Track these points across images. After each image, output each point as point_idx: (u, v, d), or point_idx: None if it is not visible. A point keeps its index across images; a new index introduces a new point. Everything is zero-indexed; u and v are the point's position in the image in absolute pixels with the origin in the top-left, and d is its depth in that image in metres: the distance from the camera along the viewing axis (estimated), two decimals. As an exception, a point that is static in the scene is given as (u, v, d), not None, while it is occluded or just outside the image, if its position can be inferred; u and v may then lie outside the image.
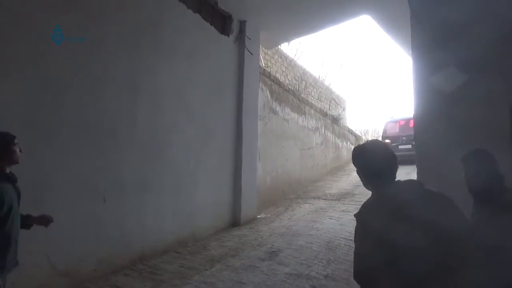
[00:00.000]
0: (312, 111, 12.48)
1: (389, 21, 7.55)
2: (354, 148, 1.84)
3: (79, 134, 3.88)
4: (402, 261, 1.40)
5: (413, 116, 4.83)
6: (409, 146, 12.44)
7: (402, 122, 14.10)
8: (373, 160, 1.68)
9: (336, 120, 14.86)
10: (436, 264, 1.42)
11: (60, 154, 3.66)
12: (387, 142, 12.76)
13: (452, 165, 2.54)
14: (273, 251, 4.99)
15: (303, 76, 13.73)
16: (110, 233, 4.20)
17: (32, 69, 3.45)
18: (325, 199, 9.50)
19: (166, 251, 4.96)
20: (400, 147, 13.01)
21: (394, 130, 13.91)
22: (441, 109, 4.04)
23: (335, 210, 7.79)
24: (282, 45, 11.20)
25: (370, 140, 1.98)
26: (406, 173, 8.22)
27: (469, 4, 3.87)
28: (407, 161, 11.82)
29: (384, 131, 14.75)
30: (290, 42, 12.24)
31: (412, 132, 12.50)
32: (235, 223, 6.78)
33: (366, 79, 35.81)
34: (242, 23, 7.20)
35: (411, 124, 13.05)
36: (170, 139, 5.25)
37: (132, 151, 4.57)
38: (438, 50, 4.17)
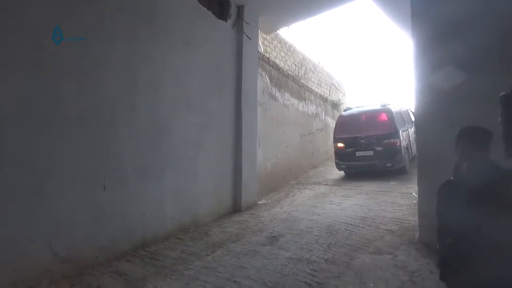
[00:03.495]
0: (312, 97, 12.43)
1: (390, 3, 7.45)
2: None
3: (78, 122, 3.85)
4: None
5: (415, 114, 4.69)
6: (371, 153, 9.27)
7: (365, 117, 10.01)
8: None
9: (336, 105, 14.83)
10: None
11: (59, 142, 3.64)
12: (339, 147, 9.91)
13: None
14: (274, 236, 5.02)
15: (302, 61, 13.63)
16: (111, 220, 4.22)
17: (29, 60, 3.40)
18: (325, 184, 9.53)
19: (167, 237, 5.00)
20: (357, 153, 9.49)
21: (351, 128, 9.89)
22: (444, 105, 3.97)
23: (336, 195, 7.82)
24: (281, 30, 11.08)
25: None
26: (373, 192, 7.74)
27: None
28: (367, 173, 9.60)
29: (336, 130, 10.38)
30: (290, 27, 12.04)
31: (379, 132, 9.21)
32: (236, 209, 6.81)
33: (366, 64, 35.48)
34: (240, 8, 7.10)
35: (382, 117, 9.48)
36: (170, 126, 5.23)
37: (132, 138, 4.56)
38: (440, 47, 4.10)
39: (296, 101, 11.05)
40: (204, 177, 5.99)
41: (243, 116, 7.07)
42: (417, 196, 4.93)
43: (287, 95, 10.40)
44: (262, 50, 10.24)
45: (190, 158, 5.69)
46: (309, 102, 12.11)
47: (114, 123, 4.32)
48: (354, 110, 10.54)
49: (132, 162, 4.56)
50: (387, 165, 9.00)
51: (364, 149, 9.34)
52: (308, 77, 13.89)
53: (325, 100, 13.75)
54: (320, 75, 15.39)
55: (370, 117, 9.82)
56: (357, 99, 18.14)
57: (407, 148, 9.57)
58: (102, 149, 4.14)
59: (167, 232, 5.07)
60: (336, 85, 17.13)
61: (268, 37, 11.18)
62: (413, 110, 10.42)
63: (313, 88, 13.19)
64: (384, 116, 9.50)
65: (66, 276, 3.58)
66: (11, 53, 3.26)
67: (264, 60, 9.16)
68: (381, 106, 9.98)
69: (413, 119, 10.30)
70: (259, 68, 8.40)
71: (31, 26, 3.42)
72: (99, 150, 4.10)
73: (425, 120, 4.38)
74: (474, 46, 3.77)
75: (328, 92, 15.60)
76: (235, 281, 3.57)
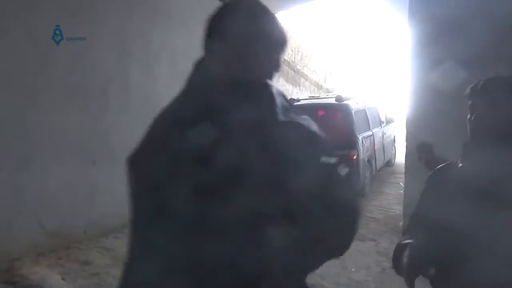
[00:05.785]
0: (307, 83, 12.43)
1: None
2: None
3: (67, 96, 3.81)
4: None
5: (408, 111, 4.67)
6: None
7: (315, 114, 6.06)
8: None
9: (330, 93, 14.79)
10: None
11: (47, 115, 3.60)
12: None
13: None
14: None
15: (299, 47, 13.53)
16: (100, 196, 4.22)
17: (18, 30, 3.35)
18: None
19: (156, 215, 5.02)
20: None
21: None
22: (437, 106, 4.01)
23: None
24: (280, 14, 10.96)
25: None
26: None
27: None
28: None
29: None
30: (289, 10, 11.80)
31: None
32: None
33: (364, 51, 35.24)
34: (239, -11, 6.99)
35: (336, 117, 6.43)
36: (163, 105, 5.19)
37: (123, 115, 4.52)
38: (436, 46, 4.10)
39: (290, 87, 11.03)
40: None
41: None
42: (403, 186, 5.02)
43: (281, 80, 10.37)
44: (259, 33, 10.13)
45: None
46: (304, 88, 12.10)
47: (105, 98, 4.27)
48: (303, 103, 7.21)
49: (123, 139, 4.50)
50: None
51: None
52: (304, 63, 13.82)
53: (319, 87, 13.73)
54: (316, 61, 15.31)
55: (321, 116, 6.38)
56: (353, 87, 18.12)
57: (369, 161, 6.95)
58: (91, 124, 4.10)
59: (156, 210, 5.09)
60: (332, 73, 17.08)
61: (266, 20, 11.05)
62: (388, 105, 9.87)
63: (308, 74, 13.15)
64: (339, 116, 6.48)
65: (53, 250, 3.62)
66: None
67: (261, 44, 9.07)
68: (336, 100, 6.74)
69: (383, 118, 8.44)
70: (255, 52, 8.32)
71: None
72: (88, 124, 4.05)
73: (419, 118, 4.44)
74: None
75: (323, 79, 15.56)
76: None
